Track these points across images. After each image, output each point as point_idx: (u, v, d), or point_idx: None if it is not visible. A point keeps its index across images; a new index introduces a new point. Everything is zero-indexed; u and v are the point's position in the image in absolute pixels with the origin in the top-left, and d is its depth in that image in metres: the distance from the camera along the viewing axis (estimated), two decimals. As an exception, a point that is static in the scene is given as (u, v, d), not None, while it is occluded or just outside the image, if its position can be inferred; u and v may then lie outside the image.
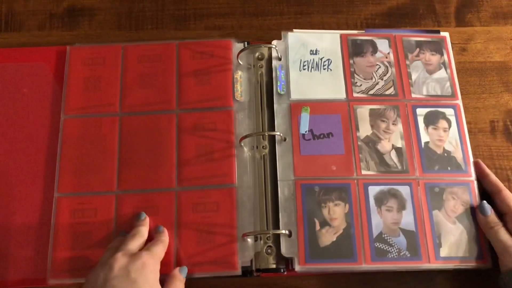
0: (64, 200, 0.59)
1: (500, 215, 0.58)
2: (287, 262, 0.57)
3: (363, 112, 0.63)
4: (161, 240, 0.55)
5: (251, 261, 0.56)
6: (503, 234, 0.56)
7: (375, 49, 0.67)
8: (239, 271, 0.56)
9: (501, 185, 0.59)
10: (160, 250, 0.54)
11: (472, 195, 0.60)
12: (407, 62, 0.66)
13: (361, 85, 0.65)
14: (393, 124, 0.63)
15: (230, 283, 0.58)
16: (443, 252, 0.57)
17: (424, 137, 0.62)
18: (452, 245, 0.57)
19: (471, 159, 0.62)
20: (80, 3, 0.72)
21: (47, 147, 0.61)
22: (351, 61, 0.66)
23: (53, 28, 0.70)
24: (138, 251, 0.53)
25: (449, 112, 0.64)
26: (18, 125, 0.63)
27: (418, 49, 0.67)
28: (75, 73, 0.64)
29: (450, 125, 0.63)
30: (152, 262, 0.51)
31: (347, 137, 0.62)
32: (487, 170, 0.61)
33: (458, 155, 0.62)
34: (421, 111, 0.64)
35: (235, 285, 0.58)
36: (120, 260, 0.50)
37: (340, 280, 0.58)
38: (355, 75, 0.65)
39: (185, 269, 0.55)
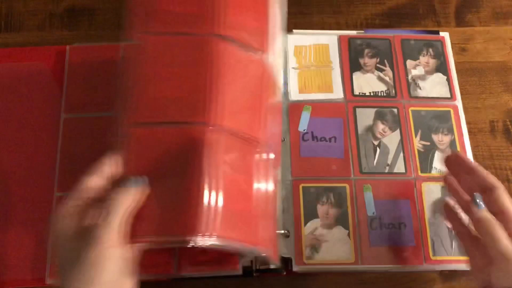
0: (64, 200, 0.58)
1: None
2: (287, 262, 0.57)
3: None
4: (122, 198, 0.41)
5: (251, 261, 0.56)
6: (508, 243, 0.45)
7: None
8: (240, 271, 0.56)
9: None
10: (118, 217, 0.40)
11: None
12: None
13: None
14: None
15: (230, 283, 0.58)
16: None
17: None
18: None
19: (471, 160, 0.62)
20: (80, 3, 0.72)
21: (47, 147, 0.61)
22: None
23: (53, 28, 0.70)
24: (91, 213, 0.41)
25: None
26: (18, 125, 0.63)
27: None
28: (75, 73, 0.64)
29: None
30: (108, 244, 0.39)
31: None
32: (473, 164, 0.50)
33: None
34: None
35: (235, 285, 0.58)
36: (61, 223, 0.40)
37: (338, 280, 0.58)
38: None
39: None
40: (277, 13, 0.53)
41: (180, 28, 0.48)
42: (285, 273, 0.57)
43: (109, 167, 0.44)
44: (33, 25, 0.70)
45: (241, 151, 0.47)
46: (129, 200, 0.41)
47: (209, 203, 0.42)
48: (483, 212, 0.46)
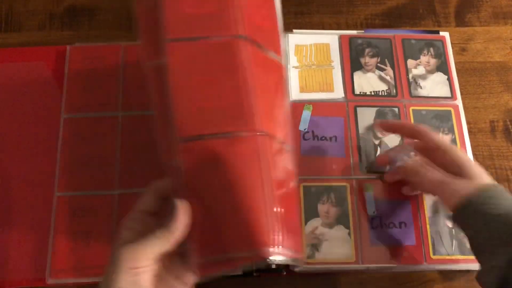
0: (64, 200, 0.58)
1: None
2: (287, 262, 0.57)
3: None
4: (168, 231, 0.41)
5: (251, 261, 0.56)
6: (434, 171, 0.51)
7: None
8: (240, 271, 0.55)
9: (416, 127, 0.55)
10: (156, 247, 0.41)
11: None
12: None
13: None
14: None
15: (230, 283, 0.58)
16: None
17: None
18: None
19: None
20: (80, 3, 0.72)
21: (47, 147, 0.61)
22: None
23: (53, 28, 0.70)
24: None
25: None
26: (18, 124, 0.63)
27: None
28: (75, 73, 0.64)
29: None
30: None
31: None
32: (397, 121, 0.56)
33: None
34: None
35: (235, 285, 0.58)
36: (119, 233, 0.43)
37: (339, 280, 0.58)
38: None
39: None
40: (279, 13, 0.53)
41: (203, 31, 0.45)
42: (285, 273, 0.57)
43: (163, 187, 0.45)
44: (33, 25, 0.70)
45: (281, 156, 0.46)
46: (162, 239, 0.41)
47: (276, 216, 0.41)
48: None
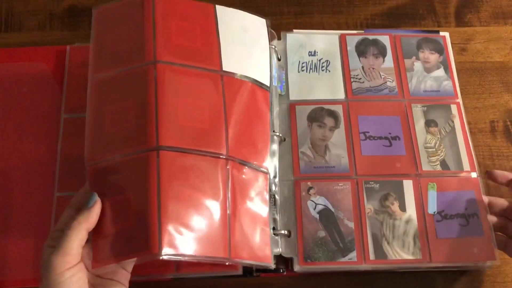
0: (65, 200, 0.58)
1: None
2: (287, 262, 0.57)
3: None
4: (74, 224, 0.43)
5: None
6: None
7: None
8: (240, 271, 0.55)
9: None
10: (69, 241, 0.43)
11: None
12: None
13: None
14: None
15: (230, 283, 0.58)
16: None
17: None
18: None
19: (474, 157, 0.62)
20: (80, 3, 0.72)
21: (47, 147, 0.61)
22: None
23: (53, 28, 0.70)
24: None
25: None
26: (18, 125, 0.63)
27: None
28: (75, 73, 0.64)
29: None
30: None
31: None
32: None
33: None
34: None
35: (235, 285, 0.58)
36: (43, 251, 0.45)
37: (339, 280, 0.58)
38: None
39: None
40: (236, 27, 0.56)
41: (122, 64, 0.51)
42: (285, 273, 0.57)
43: (78, 200, 0.47)
44: (33, 25, 0.70)
45: (200, 168, 0.48)
46: (81, 224, 0.43)
47: (160, 222, 0.44)
48: None
